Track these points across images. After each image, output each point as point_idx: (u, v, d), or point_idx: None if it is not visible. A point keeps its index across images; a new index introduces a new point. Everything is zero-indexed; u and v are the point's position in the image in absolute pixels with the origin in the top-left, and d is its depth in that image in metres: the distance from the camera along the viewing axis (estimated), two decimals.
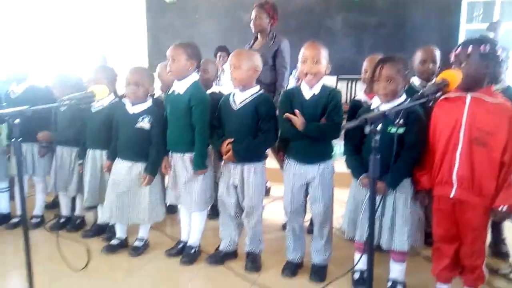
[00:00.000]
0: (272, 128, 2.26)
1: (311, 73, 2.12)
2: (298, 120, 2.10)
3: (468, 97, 1.78)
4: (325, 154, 2.23)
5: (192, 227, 2.53)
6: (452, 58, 1.79)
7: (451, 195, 1.82)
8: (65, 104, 1.81)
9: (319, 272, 2.27)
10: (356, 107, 2.26)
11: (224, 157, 2.27)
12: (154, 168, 2.46)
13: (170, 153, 2.47)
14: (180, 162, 2.39)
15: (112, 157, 2.57)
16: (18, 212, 3.03)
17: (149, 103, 2.50)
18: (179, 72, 2.34)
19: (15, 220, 3.02)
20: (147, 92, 2.48)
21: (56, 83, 2.80)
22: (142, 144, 2.46)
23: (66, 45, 5.24)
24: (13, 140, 1.62)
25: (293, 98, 2.21)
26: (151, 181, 2.46)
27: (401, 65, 1.94)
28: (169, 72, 2.37)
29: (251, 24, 3.41)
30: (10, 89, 2.98)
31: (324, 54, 2.14)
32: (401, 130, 1.90)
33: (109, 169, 2.57)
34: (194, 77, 2.39)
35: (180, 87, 2.36)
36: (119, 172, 2.48)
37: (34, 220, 3.00)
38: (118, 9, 6.22)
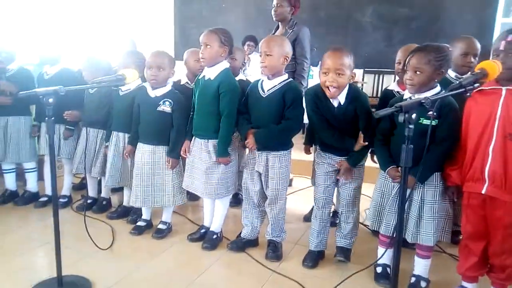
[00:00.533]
0: (297, 116, 2.23)
1: (333, 86, 2.04)
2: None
3: (504, 90, 1.71)
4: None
5: (215, 213, 2.55)
6: (502, 46, 1.68)
7: (483, 192, 1.76)
8: (97, 86, 1.83)
9: (344, 252, 2.29)
10: (388, 97, 2.21)
11: (247, 144, 2.28)
12: (177, 151, 2.50)
13: (193, 138, 2.48)
14: (204, 148, 2.40)
15: (133, 142, 2.61)
16: (47, 191, 3.14)
17: (169, 86, 2.53)
18: (212, 58, 2.33)
19: (43, 199, 3.12)
20: (167, 76, 2.50)
21: (87, 66, 2.85)
22: (164, 127, 2.50)
23: (97, 31, 5.34)
24: (46, 119, 1.67)
25: (320, 102, 2.15)
26: (176, 164, 2.51)
27: (433, 55, 1.84)
28: (202, 59, 2.35)
29: (272, 12, 3.36)
30: (44, 70, 3.05)
31: (348, 63, 2.04)
32: (433, 123, 1.84)
33: (130, 154, 2.62)
34: (225, 64, 2.39)
35: (211, 73, 2.36)
36: (142, 156, 2.52)
37: (61, 200, 3.08)
38: None
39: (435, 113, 1.84)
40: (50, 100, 1.64)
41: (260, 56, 2.25)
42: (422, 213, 1.95)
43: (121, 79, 2.01)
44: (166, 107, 2.48)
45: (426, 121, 1.82)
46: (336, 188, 2.34)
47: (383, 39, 5.79)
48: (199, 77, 2.45)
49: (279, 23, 3.42)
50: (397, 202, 1.91)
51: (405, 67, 1.91)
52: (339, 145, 2.16)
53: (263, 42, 2.25)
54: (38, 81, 3.06)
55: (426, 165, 1.85)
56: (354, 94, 2.12)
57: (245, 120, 2.33)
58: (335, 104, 2.13)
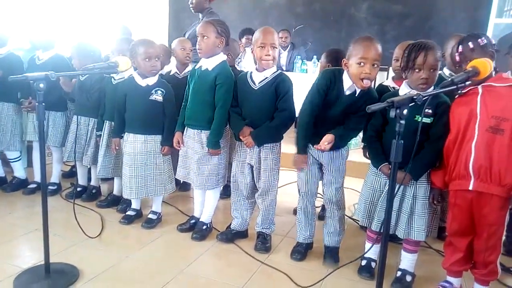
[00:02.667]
0: (290, 107, 2.23)
1: (369, 78, 1.96)
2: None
3: (479, 87, 1.75)
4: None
5: (205, 204, 2.56)
6: (457, 58, 1.75)
7: (470, 188, 1.79)
8: (88, 73, 1.81)
9: (333, 255, 2.27)
10: (383, 92, 2.20)
11: (245, 143, 2.26)
12: (171, 139, 2.50)
13: (185, 128, 2.47)
14: (197, 139, 2.40)
15: (118, 133, 2.59)
16: (36, 178, 3.11)
17: (157, 76, 2.52)
18: (208, 48, 2.32)
19: (32, 185, 3.09)
20: (163, 66, 2.49)
21: (76, 53, 2.82)
22: (155, 116, 2.49)
23: (91, 19, 5.26)
24: (37, 104, 1.65)
25: (332, 86, 2.09)
26: (170, 151, 2.54)
27: (440, 52, 1.87)
28: (199, 50, 2.34)
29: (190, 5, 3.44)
30: (36, 55, 3.00)
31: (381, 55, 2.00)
32: (428, 120, 1.86)
33: (117, 145, 2.61)
34: (223, 56, 2.39)
35: (208, 63, 2.35)
36: (135, 146, 2.50)
37: (50, 187, 3.05)
38: None
39: (430, 111, 1.87)
40: (41, 85, 1.62)
41: (263, 47, 2.18)
42: (414, 209, 1.96)
43: (113, 66, 2.00)
44: (158, 96, 2.47)
45: (422, 118, 1.81)
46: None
47: (377, 35, 5.77)
48: (195, 67, 2.44)
49: (200, 14, 3.43)
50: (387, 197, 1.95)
51: (413, 65, 1.85)
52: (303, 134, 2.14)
53: (267, 34, 2.20)
54: (29, 66, 3.01)
55: (421, 162, 1.87)
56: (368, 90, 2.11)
57: (237, 114, 2.32)
58: (347, 92, 2.07)
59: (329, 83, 2.09)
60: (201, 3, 3.33)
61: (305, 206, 2.30)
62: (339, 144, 2.12)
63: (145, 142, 2.50)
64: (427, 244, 2.50)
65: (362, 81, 1.96)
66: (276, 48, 2.21)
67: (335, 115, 2.12)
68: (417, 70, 1.86)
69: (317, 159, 2.22)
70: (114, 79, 2.70)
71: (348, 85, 2.06)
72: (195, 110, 2.40)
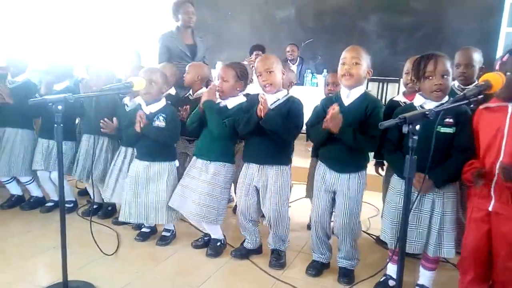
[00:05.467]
0: (296, 125, 2.23)
1: (349, 73, 2.05)
2: (335, 118, 1.95)
3: (510, 106, 1.70)
4: (358, 166, 2.15)
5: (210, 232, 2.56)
6: (497, 66, 1.71)
7: (490, 209, 1.74)
8: (105, 93, 1.87)
9: (347, 275, 2.22)
10: (393, 107, 2.18)
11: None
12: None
13: (194, 158, 2.50)
14: (204, 169, 2.41)
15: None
16: (52, 197, 3.17)
17: (163, 101, 2.53)
18: (228, 92, 2.38)
19: (49, 204, 3.15)
20: (160, 91, 2.49)
21: (93, 75, 2.89)
22: (159, 143, 2.47)
23: (102, 41, 5.40)
24: (55, 126, 1.69)
25: (330, 105, 2.10)
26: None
27: (450, 61, 1.86)
28: (220, 92, 2.38)
29: (186, 18, 3.63)
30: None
31: (365, 57, 2.08)
32: (450, 130, 1.83)
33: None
34: (242, 98, 2.43)
35: (228, 102, 2.40)
36: (137, 171, 2.52)
37: (67, 205, 3.08)
38: (150, 8, 6.33)
39: (451, 120, 1.84)
40: (59, 107, 1.67)
41: (260, 75, 2.23)
42: (443, 225, 1.90)
43: (128, 86, 2.05)
44: (160, 122, 2.46)
45: (444, 129, 1.81)
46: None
47: (387, 48, 5.82)
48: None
49: (191, 30, 3.64)
50: (420, 215, 1.91)
51: (424, 74, 1.86)
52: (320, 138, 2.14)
53: (264, 60, 2.25)
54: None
55: (446, 170, 1.83)
56: (371, 97, 2.13)
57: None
58: (347, 103, 2.10)
59: (325, 105, 2.15)
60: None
61: (317, 232, 2.26)
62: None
63: (148, 168, 2.51)
64: (444, 259, 2.45)
65: (343, 76, 2.07)
66: (272, 71, 2.21)
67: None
68: (429, 78, 1.85)
69: (333, 186, 2.16)
70: (127, 106, 2.76)
71: (344, 95, 2.10)
72: (207, 143, 2.42)
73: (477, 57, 2.41)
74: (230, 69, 2.37)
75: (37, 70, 3.45)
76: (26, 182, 3.18)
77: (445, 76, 1.84)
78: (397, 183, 2.01)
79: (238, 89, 2.40)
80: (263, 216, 2.43)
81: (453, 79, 2.46)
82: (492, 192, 1.73)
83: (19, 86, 3.03)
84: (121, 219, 2.59)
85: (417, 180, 1.80)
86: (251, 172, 2.33)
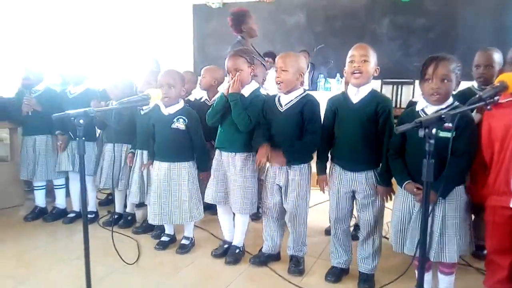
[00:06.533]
0: (318, 129, 2.25)
1: (359, 71, 2.07)
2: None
3: None
4: (372, 162, 2.16)
5: (235, 228, 2.58)
6: (510, 59, 1.71)
7: (510, 205, 1.73)
8: (123, 106, 1.91)
9: (367, 281, 2.21)
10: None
11: (273, 162, 2.28)
12: (207, 164, 2.57)
13: (218, 151, 2.52)
14: (231, 162, 2.44)
15: (152, 158, 2.67)
16: (74, 207, 3.25)
17: (181, 104, 2.58)
18: (245, 81, 2.38)
19: (71, 215, 3.23)
20: (179, 94, 2.54)
21: (111, 86, 2.97)
22: (178, 144, 2.53)
23: (119, 50, 5.53)
24: (77, 139, 1.74)
25: (339, 105, 2.20)
26: (208, 176, 2.55)
27: (455, 64, 1.84)
28: (238, 85, 2.36)
29: (255, 27, 3.59)
30: (68, 89, 3.19)
31: (372, 54, 2.10)
32: (447, 134, 1.79)
33: (146, 167, 2.72)
34: (255, 84, 2.46)
35: (243, 91, 2.40)
36: (159, 173, 2.57)
37: (89, 216, 3.17)
38: (166, 15, 6.45)
39: (450, 124, 1.81)
40: (81, 121, 1.72)
41: (276, 71, 2.29)
42: (444, 229, 1.88)
43: (146, 98, 2.07)
44: (180, 124, 2.52)
45: (443, 134, 1.79)
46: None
47: (400, 50, 5.78)
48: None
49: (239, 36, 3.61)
50: (421, 218, 1.89)
51: (425, 77, 1.86)
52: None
53: (279, 58, 2.29)
54: (62, 99, 3.16)
55: (448, 179, 1.80)
56: (380, 95, 2.15)
57: (261, 134, 2.34)
58: (355, 100, 2.12)
59: (333, 105, 2.21)
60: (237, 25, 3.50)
61: (337, 233, 2.27)
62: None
63: (169, 170, 2.54)
64: (466, 262, 2.42)
65: (352, 74, 2.09)
66: (286, 70, 2.23)
67: (350, 126, 2.14)
68: (428, 81, 1.85)
69: (350, 186, 2.18)
70: (142, 110, 2.82)
71: (353, 93, 2.13)
72: (228, 135, 2.44)
73: (497, 57, 2.42)
74: (239, 57, 2.38)
75: (56, 85, 3.57)
76: (59, 186, 3.28)
77: (445, 80, 1.82)
78: (399, 187, 2.03)
79: (251, 73, 2.41)
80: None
81: (471, 80, 2.46)
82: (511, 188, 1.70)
83: (41, 94, 3.14)
84: (149, 222, 2.65)
85: (418, 194, 1.84)
86: (273, 170, 2.36)
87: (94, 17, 5.20)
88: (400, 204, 1.99)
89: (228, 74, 2.42)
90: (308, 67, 5.84)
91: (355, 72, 2.07)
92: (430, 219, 1.89)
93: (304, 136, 2.25)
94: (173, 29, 6.67)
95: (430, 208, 1.85)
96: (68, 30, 4.84)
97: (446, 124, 1.71)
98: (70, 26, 4.87)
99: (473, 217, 2.02)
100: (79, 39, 5.02)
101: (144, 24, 6.04)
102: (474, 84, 2.48)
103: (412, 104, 2.50)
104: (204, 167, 2.58)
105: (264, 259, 2.48)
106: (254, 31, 3.60)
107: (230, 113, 2.40)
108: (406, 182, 1.93)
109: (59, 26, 4.74)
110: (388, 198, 2.16)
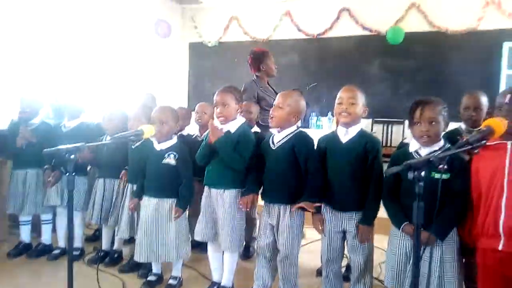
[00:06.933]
0: (319, 167, 2.23)
1: (346, 112, 2.13)
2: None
3: (509, 144, 1.73)
4: (361, 202, 2.15)
5: (224, 267, 2.52)
6: (498, 104, 1.76)
7: (500, 248, 1.72)
8: (116, 141, 1.92)
9: None
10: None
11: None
12: (186, 203, 2.53)
13: (207, 188, 2.50)
14: (219, 199, 2.42)
15: (138, 195, 2.63)
16: (59, 243, 3.16)
17: (174, 140, 2.58)
18: (230, 115, 2.41)
19: (56, 251, 3.14)
20: (171, 130, 2.56)
21: (107, 121, 2.98)
22: (168, 180, 2.51)
23: (116, 85, 5.60)
24: (67, 174, 1.73)
25: (328, 144, 2.23)
26: (181, 213, 2.50)
27: (441, 106, 1.90)
28: (221, 117, 2.40)
29: (274, 67, 3.68)
30: (63, 123, 3.19)
31: (360, 96, 2.17)
32: (444, 176, 1.82)
33: (134, 207, 2.64)
34: (242, 119, 2.49)
35: (230, 126, 2.42)
36: (147, 210, 2.53)
37: (74, 253, 3.06)
38: (163, 53, 6.60)
39: (445, 166, 1.85)
40: (72, 156, 1.72)
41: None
42: (443, 273, 1.86)
43: (139, 134, 2.09)
44: (170, 160, 2.51)
45: (438, 175, 1.77)
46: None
47: (390, 90, 5.94)
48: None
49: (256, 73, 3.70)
50: (420, 262, 1.87)
51: (414, 120, 1.91)
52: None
53: (279, 95, 2.35)
54: (56, 133, 3.15)
55: (444, 220, 1.82)
56: (368, 135, 2.20)
57: (253, 181, 2.36)
58: (344, 140, 2.17)
59: (322, 144, 2.26)
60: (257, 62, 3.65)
61: (329, 276, 2.24)
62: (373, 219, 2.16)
63: (158, 205, 2.51)
64: None
65: (340, 114, 2.17)
66: (281, 108, 2.27)
67: (339, 166, 2.17)
68: (417, 124, 1.90)
69: (340, 226, 2.18)
70: (134, 144, 2.81)
71: (342, 133, 2.18)
72: (216, 171, 2.44)
73: (484, 101, 2.52)
74: (228, 93, 2.41)
75: (49, 118, 3.58)
76: (45, 221, 3.21)
77: (433, 122, 1.87)
78: (395, 227, 2.01)
79: (238, 110, 2.44)
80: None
81: (459, 121, 2.52)
82: (500, 231, 1.70)
83: (37, 128, 3.13)
84: (135, 259, 2.57)
85: (423, 240, 1.79)
86: (267, 210, 2.35)
87: (92, 51, 5.30)
88: (397, 246, 1.97)
89: (215, 108, 2.45)
90: None
91: (343, 112, 2.14)
92: (427, 262, 1.86)
93: (308, 179, 2.22)
94: (170, 66, 6.82)
95: (428, 251, 1.84)
96: (65, 63, 4.91)
97: (440, 166, 1.75)
98: (67, 59, 4.94)
99: (463, 259, 1.99)
100: (77, 72, 5.09)
101: (141, 60, 6.15)
102: (461, 125, 2.53)
103: (403, 145, 2.54)
104: (182, 204, 2.51)
105: None
106: (272, 70, 3.69)
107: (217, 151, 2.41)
108: (404, 224, 1.92)
109: (57, 58, 4.81)
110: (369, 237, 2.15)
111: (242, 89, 3.50)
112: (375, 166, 2.10)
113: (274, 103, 2.34)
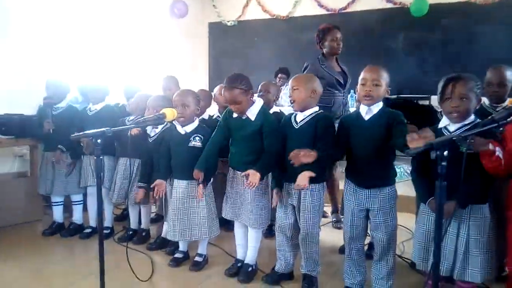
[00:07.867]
0: (329, 146, 2.22)
1: (369, 95, 2.11)
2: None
3: None
4: (385, 179, 2.17)
5: (248, 245, 2.58)
6: None
7: None
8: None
9: None
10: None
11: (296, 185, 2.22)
12: (207, 181, 2.57)
13: (232, 170, 2.55)
14: (245, 180, 2.44)
15: (164, 177, 2.65)
16: (91, 222, 3.30)
17: (197, 122, 2.63)
18: (244, 108, 2.39)
19: (88, 230, 3.28)
20: (194, 113, 2.59)
21: (134, 105, 3.05)
22: (196, 162, 2.53)
23: (137, 68, 5.67)
24: (95, 157, 1.80)
25: (351, 122, 2.22)
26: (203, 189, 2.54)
27: (473, 83, 1.87)
28: (237, 112, 2.40)
29: (334, 45, 3.39)
30: (88, 107, 3.29)
31: (384, 77, 2.13)
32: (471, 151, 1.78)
33: (161, 189, 2.62)
34: (260, 102, 2.47)
35: (249, 113, 2.41)
36: (177, 191, 2.60)
37: (104, 231, 3.18)
38: (182, 34, 6.60)
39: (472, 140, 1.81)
40: (99, 140, 1.78)
41: (290, 91, 2.33)
42: (468, 248, 1.87)
43: (161, 117, 2.13)
44: (196, 142, 2.56)
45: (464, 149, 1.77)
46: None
47: (416, 66, 5.75)
48: (234, 116, 2.47)
49: (335, 57, 3.53)
50: (447, 237, 1.89)
51: (444, 96, 1.89)
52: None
53: (292, 79, 2.35)
54: (82, 117, 3.25)
55: (467, 191, 1.76)
56: (390, 110, 2.16)
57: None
58: (367, 118, 2.15)
59: (345, 123, 2.24)
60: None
61: (351, 254, 2.26)
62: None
63: (187, 187, 2.58)
64: (484, 285, 2.35)
65: (364, 97, 2.13)
66: (297, 88, 2.27)
67: (363, 143, 2.15)
68: (448, 100, 1.88)
69: (364, 204, 2.18)
70: (150, 137, 2.88)
71: (364, 112, 2.15)
72: (240, 155, 2.47)
73: (510, 75, 2.39)
74: (234, 89, 2.34)
75: (77, 103, 3.69)
76: (76, 202, 3.35)
77: (464, 99, 1.85)
78: (423, 204, 2.01)
79: (251, 98, 2.41)
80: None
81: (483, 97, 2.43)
82: None
83: (63, 112, 3.24)
84: (169, 238, 2.70)
85: (445, 209, 1.78)
86: (287, 189, 2.38)
87: (114, 36, 5.36)
88: (424, 221, 2.00)
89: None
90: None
91: (366, 96, 2.11)
92: (454, 237, 1.88)
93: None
94: (190, 46, 6.81)
95: (456, 226, 1.86)
96: (87, 47, 5.00)
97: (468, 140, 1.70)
98: (89, 43, 5.03)
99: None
100: (98, 56, 5.17)
101: (161, 42, 6.18)
102: (485, 101, 2.44)
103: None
104: (204, 180, 2.53)
105: (276, 278, 2.47)
106: (333, 48, 3.40)
107: (240, 133, 2.44)
108: (430, 199, 1.92)
109: (79, 42, 4.90)
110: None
111: (304, 66, 3.45)
112: (400, 131, 2.02)
113: (290, 86, 2.33)
